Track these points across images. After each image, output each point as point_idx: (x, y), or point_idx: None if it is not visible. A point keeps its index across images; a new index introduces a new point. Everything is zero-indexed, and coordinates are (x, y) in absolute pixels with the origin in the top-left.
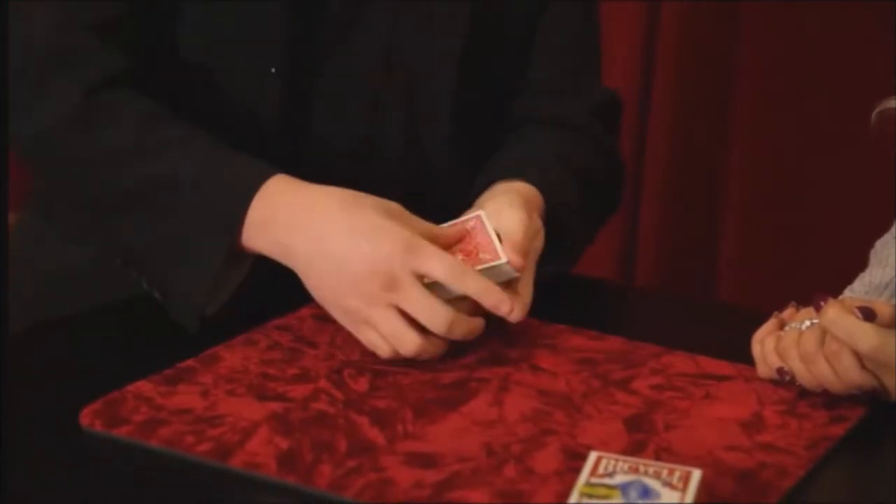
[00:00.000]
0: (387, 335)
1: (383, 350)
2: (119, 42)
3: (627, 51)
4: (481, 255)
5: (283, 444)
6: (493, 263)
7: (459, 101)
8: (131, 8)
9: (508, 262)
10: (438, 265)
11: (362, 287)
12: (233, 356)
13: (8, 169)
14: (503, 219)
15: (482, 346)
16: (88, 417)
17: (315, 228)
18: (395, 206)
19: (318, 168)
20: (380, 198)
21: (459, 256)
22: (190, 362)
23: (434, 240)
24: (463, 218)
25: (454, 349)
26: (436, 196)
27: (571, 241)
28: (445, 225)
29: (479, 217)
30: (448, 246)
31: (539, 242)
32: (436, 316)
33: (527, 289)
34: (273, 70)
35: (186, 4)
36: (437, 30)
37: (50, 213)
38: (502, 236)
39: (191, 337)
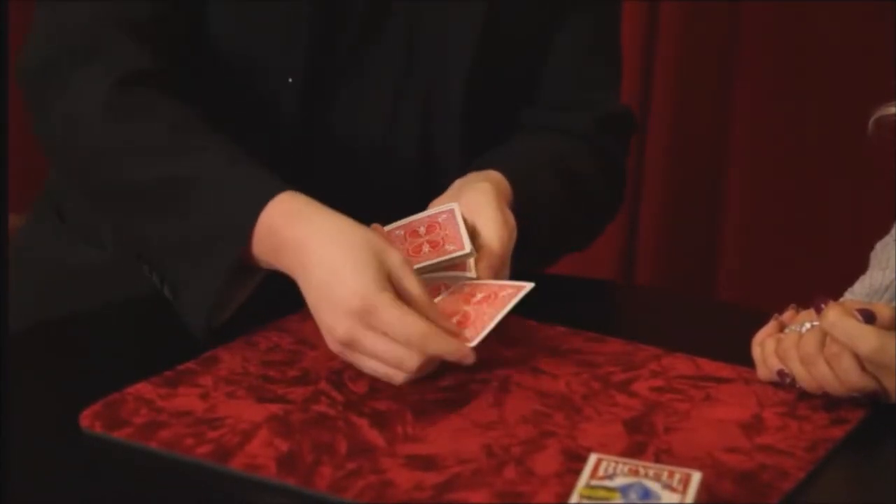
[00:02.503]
0: (384, 361)
1: (395, 377)
2: (149, 41)
3: (627, 51)
4: (447, 246)
5: (283, 445)
6: (457, 254)
7: (471, 105)
8: (163, 10)
9: (472, 253)
10: (393, 329)
11: (329, 336)
12: (233, 358)
13: (7, 169)
14: (480, 219)
15: (482, 347)
16: (88, 419)
17: (305, 260)
18: (393, 255)
19: (334, 167)
20: (381, 241)
21: (426, 248)
22: (190, 364)
23: (417, 307)
24: (437, 209)
25: None
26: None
27: (542, 239)
28: (420, 215)
29: (451, 210)
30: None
31: (513, 240)
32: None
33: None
34: (290, 80)
35: (212, 9)
36: (454, 27)
37: (63, 213)
38: (480, 244)
39: (191, 338)
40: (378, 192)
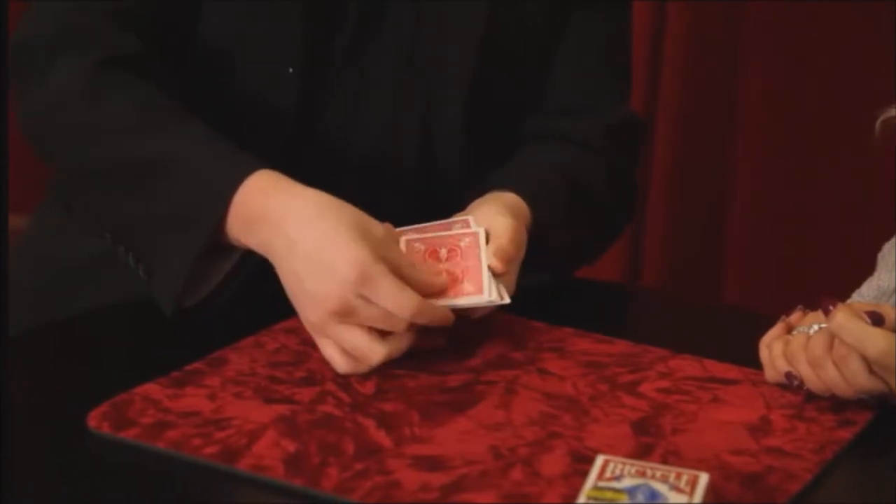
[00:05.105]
0: (350, 351)
1: (340, 366)
2: (135, 28)
3: (634, 51)
4: (465, 285)
5: (290, 446)
6: (474, 300)
7: (473, 109)
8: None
9: (491, 302)
10: (389, 300)
11: (318, 307)
12: (240, 358)
13: (8, 169)
14: (492, 223)
15: (489, 349)
16: (96, 420)
17: (290, 232)
18: (377, 228)
19: (330, 172)
20: (366, 216)
21: (444, 276)
22: (197, 364)
23: (404, 275)
24: (459, 227)
25: (460, 352)
26: (446, 204)
27: (555, 256)
28: (439, 228)
29: (476, 235)
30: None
31: (521, 252)
32: (395, 324)
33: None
34: (291, 70)
35: (207, 1)
36: (455, 33)
37: (68, 205)
38: (490, 237)
39: (199, 339)
40: (376, 198)
